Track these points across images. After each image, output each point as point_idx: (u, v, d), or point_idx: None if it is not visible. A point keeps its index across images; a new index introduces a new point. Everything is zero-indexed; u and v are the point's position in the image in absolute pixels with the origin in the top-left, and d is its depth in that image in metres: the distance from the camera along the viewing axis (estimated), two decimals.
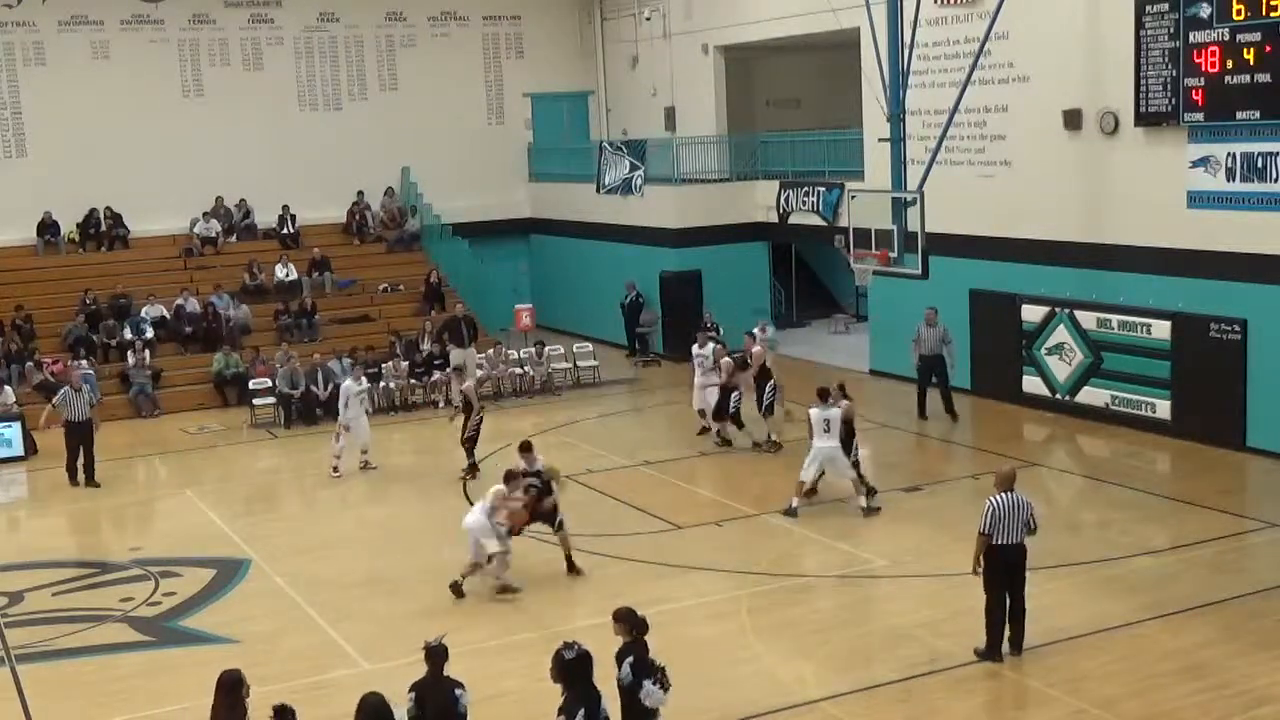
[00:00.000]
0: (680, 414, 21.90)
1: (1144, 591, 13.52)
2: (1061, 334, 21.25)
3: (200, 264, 29.09)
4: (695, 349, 21.20)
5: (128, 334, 26.05)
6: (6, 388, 23.17)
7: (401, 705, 8.71)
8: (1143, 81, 18.99)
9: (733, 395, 19.77)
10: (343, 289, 29.08)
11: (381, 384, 24.36)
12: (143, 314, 26.76)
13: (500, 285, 30.74)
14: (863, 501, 16.42)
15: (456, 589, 14.06)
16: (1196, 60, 18.16)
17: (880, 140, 21.19)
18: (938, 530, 15.70)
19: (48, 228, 28.71)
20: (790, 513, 16.45)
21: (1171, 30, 18.46)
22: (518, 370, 25.54)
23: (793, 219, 26.99)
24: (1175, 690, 11.25)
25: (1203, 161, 18.67)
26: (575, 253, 31.17)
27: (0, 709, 12.13)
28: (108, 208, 29.25)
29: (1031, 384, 21.81)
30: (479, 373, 23.56)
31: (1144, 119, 19.18)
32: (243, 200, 30.41)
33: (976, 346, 22.32)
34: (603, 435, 21.56)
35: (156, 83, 29.45)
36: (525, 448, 15.17)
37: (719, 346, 21.53)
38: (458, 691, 8.79)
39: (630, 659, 9.05)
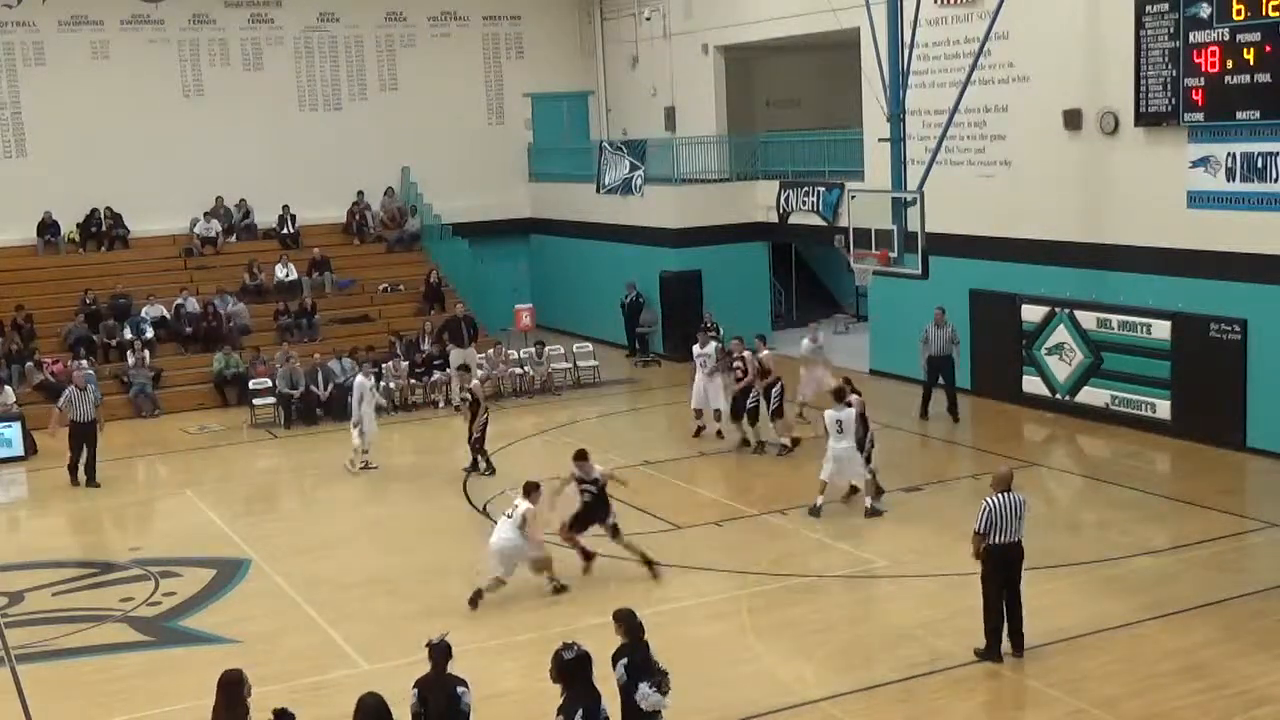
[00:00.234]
0: (680, 414, 21.89)
1: (1144, 591, 13.51)
2: (1061, 334, 21.25)
3: (200, 264, 29.09)
4: (697, 349, 21.13)
5: (128, 334, 26.05)
6: (6, 388, 23.17)
7: (402, 705, 8.71)
8: (1143, 81, 18.99)
9: (750, 395, 19.67)
10: (343, 289, 29.07)
11: (381, 384, 24.31)
12: (143, 314, 26.76)
13: (500, 285, 30.75)
14: (868, 502, 16.41)
15: (475, 601, 13.76)
16: (1196, 60, 18.16)
17: (880, 140, 21.18)
18: (938, 530, 15.69)
19: (48, 228, 28.72)
20: (814, 512, 16.45)
21: (1171, 30, 18.46)
22: (518, 370, 25.54)
23: (793, 219, 26.99)
24: (1175, 690, 11.25)
25: (1203, 161, 18.67)
26: (575, 253, 31.17)
27: (0, 709, 12.13)
28: (108, 208, 29.25)
29: (1031, 384, 21.82)
30: (479, 372, 23.56)
31: (1144, 119, 19.18)
32: (243, 200, 30.41)
33: (976, 346, 22.31)
34: (603, 435, 21.55)
35: (156, 83, 29.45)
36: (580, 456, 14.80)
37: (721, 346, 21.54)
38: (460, 689, 8.80)
39: (625, 660, 9.05)
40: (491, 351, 25.24)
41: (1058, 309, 21.25)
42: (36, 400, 23.74)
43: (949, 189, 21.55)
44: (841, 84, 26.41)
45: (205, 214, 29.84)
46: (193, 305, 27.04)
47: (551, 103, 33.29)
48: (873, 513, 16.31)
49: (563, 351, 26.43)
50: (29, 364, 24.57)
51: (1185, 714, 10.83)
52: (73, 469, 19.79)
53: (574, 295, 31.03)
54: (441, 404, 24.63)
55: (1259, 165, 17.97)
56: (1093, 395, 20.84)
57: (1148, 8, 18.77)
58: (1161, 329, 19.64)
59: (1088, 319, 20.79)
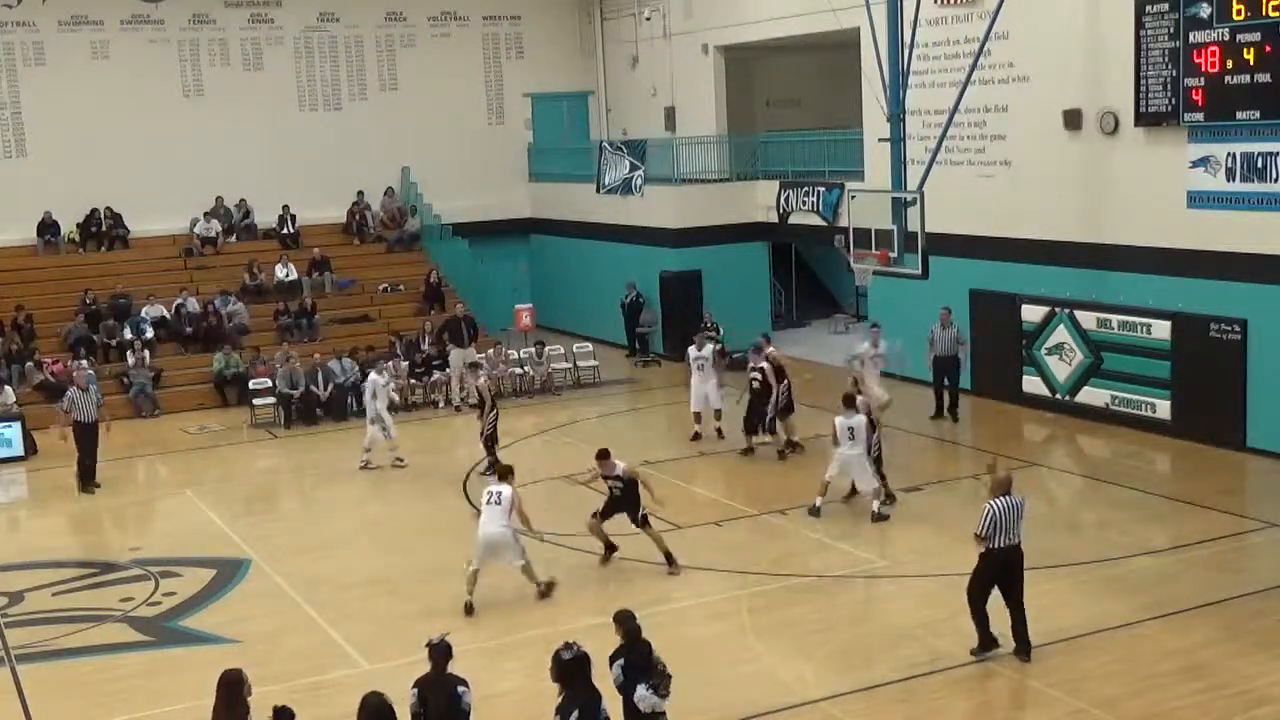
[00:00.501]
0: (680, 414, 21.88)
1: (1144, 591, 13.52)
2: (1061, 334, 21.26)
3: (200, 264, 29.10)
4: (693, 351, 20.99)
5: (128, 334, 26.05)
6: (6, 388, 23.17)
7: (402, 705, 8.71)
8: (1143, 81, 18.99)
9: (769, 402, 19.39)
10: (343, 289, 29.08)
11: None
12: (143, 314, 26.76)
13: (500, 285, 30.76)
14: (875, 506, 16.41)
15: (469, 609, 13.72)
16: (1196, 60, 18.16)
17: (880, 140, 21.18)
18: (938, 530, 15.70)
19: (48, 228, 28.72)
20: (814, 512, 16.46)
21: (1171, 30, 18.46)
22: (518, 370, 25.54)
23: (793, 219, 26.99)
24: (1175, 690, 11.25)
25: (1203, 161, 18.67)
26: (575, 253, 31.17)
27: (0, 709, 12.13)
28: (108, 208, 29.25)
29: (1031, 384, 21.82)
30: (469, 375, 23.55)
31: (1144, 119, 19.18)
32: (243, 200, 30.41)
33: (976, 346, 22.30)
34: (603, 435, 21.50)
35: (156, 83, 29.46)
36: (602, 455, 14.93)
37: (720, 347, 21.50)
38: (460, 689, 8.80)
39: (621, 661, 9.06)
40: (491, 351, 25.24)
41: (1058, 309, 21.25)
42: (36, 400, 23.76)
43: (949, 189, 21.55)
44: (841, 84, 26.41)
45: (205, 214, 29.85)
46: (193, 305, 27.05)
47: (551, 103, 33.30)
48: (879, 518, 16.30)
49: (563, 351, 26.43)
50: (29, 364, 24.57)
51: (1185, 714, 10.83)
52: (82, 474, 19.55)
53: (574, 295, 31.03)
54: (441, 404, 24.64)
55: (1259, 165, 17.97)
56: (1093, 395, 20.84)
57: (1148, 8, 18.77)
58: (1161, 329, 19.64)
59: (1088, 319, 20.79)
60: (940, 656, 12.09)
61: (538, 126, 33.29)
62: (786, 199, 27.07)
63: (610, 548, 15.14)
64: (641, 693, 8.93)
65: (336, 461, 21.47)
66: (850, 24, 23.17)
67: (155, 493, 20.33)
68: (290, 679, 11.99)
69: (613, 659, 9.10)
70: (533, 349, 26.11)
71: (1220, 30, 17.81)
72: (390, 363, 24.56)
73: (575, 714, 8.41)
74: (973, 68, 20.39)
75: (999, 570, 11.83)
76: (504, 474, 14.30)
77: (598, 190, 29.70)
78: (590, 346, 26.92)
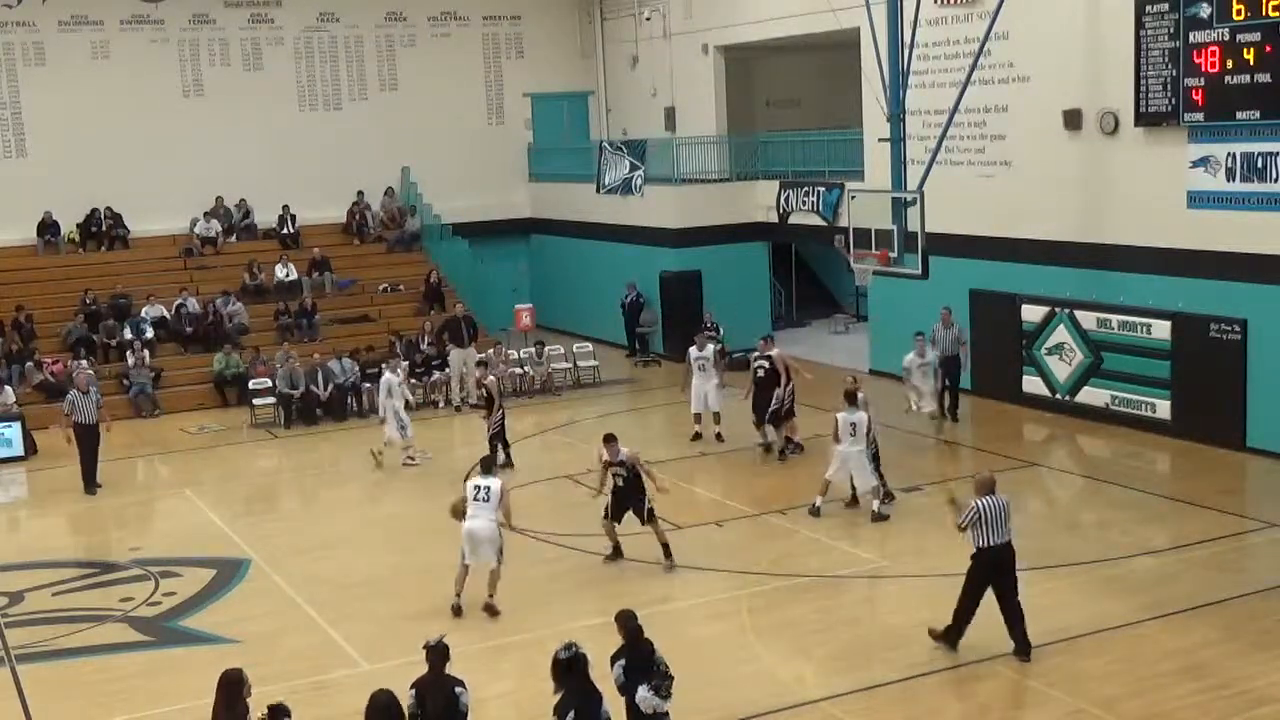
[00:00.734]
0: (680, 414, 21.88)
1: (1144, 591, 13.52)
2: (1061, 334, 21.26)
3: (200, 264, 29.10)
4: (694, 351, 20.95)
5: (128, 334, 26.05)
6: (6, 388, 23.17)
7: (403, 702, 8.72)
8: (1143, 81, 18.99)
9: (775, 399, 19.35)
10: (343, 289, 29.07)
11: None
12: (143, 314, 26.76)
13: (500, 285, 30.76)
14: (875, 505, 16.41)
15: (458, 610, 13.67)
16: (1196, 60, 18.16)
17: (880, 140, 21.18)
18: (938, 530, 15.63)
19: (48, 228, 28.72)
20: (814, 512, 16.46)
21: (1171, 30, 18.46)
22: (518, 370, 25.53)
23: (793, 219, 26.98)
24: (1175, 690, 11.25)
25: (1203, 161, 18.67)
26: (575, 253, 31.17)
27: (0, 709, 12.13)
28: (108, 208, 29.25)
29: (1031, 384, 21.82)
30: (478, 372, 23.54)
31: (1144, 119, 19.18)
32: (243, 200, 30.41)
33: (976, 346, 22.28)
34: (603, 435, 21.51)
35: (156, 83, 29.45)
36: (609, 439, 15.08)
37: (721, 347, 21.48)
38: (458, 690, 8.80)
39: (622, 662, 9.06)
40: (491, 351, 25.23)
41: (1058, 309, 21.25)
42: (36, 400, 23.78)
43: (949, 189, 21.55)
44: (841, 84, 26.41)
45: (205, 214, 29.84)
46: (193, 305, 27.05)
47: (551, 103, 33.30)
48: (879, 517, 16.30)
49: (563, 351, 26.43)
50: (29, 364, 24.57)
51: (1185, 714, 10.84)
52: (86, 477, 19.48)
53: (574, 295, 31.03)
54: (441, 404, 24.63)
55: (1259, 165, 17.97)
56: (1093, 395, 20.84)
57: (1148, 8, 18.77)
58: (1161, 329, 19.64)
59: (1088, 319, 20.79)
60: (940, 656, 12.08)
61: (538, 126, 33.30)
62: (786, 199, 27.07)
63: (618, 551, 15.13)
64: (643, 694, 8.93)
65: (337, 461, 21.50)
66: (850, 24, 23.17)
67: (155, 493, 20.33)
68: (290, 679, 11.98)
69: (614, 659, 9.10)
70: (533, 349, 26.10)
71: (1220, 30, 17.81)
72: (390, 363, 24.62)
73: (571, 715, 8.41)
74: (973, 68, 20.39)
75: (991, 570, 11.86)
76: (488, 466, 14.12)
77: (598, 190, 29.70)
78: (590, 346, 26.91)
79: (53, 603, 14.94)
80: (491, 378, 20.15)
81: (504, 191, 32.74)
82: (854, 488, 16.67)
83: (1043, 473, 18.65)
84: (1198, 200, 18.82)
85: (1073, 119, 20.53)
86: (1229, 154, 18.27)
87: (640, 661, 9.07)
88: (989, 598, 11.96)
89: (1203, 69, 18.09)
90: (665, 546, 14.92)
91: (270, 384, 23.94)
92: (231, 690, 8.69)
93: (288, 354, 24.29)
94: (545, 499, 18.30)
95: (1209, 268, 18.78)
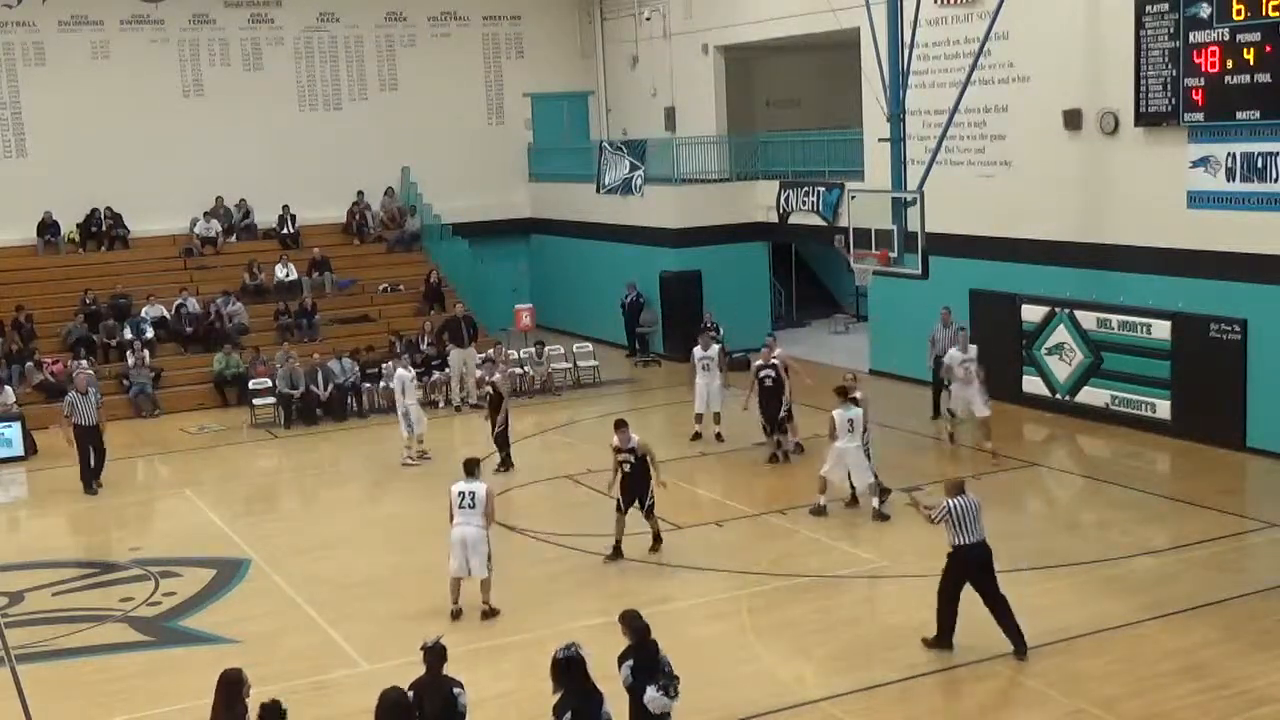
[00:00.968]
0: (680, 413, 21.88)
1: (1144, 591, 13.52)
2: (1061, 334, 21.26)
3: (200, 264, 29.10)
4: (699, 351, 20.87)
5: (128, 334, 26.05)
6: (6, 388, 23.17)
7: None
8: (1143, 81, 18.99)
9: (783, 402, 19.22)
10: (343, 289, 29.07)
11: (381, 384, 24.37)
12: (143, 314, 26.76)
13: (500, 285, 30.76)
14: (875, 503, 16.42)
15: (456, 615, 13.61)
16: (1196, 60, 18.16)
17: (880, 140, 21.17)
18: (938, 530, 15.59)
19: (48, 228, 28.72)
20: (819, 511, 16.46)
21: (1171, 30, 18.46)
22: (518, 370, 25.51)
23: (793, 219, 26.99)
24: (1175, 690, 11.25)
25: (1203, 161, 18.67)
26: (575, 253, 31.17)
27: (0, 709, 12.13)
28: (108, 208, 29.25)
29: (1031, 384, 21.81)
30: (478, 373, 23.55)
31: (1144, 119, 19.18)
32: (243, 200, 30.41)
33: (976, 347, 22.26)
34: (603, 435, 21.44)
35: (156, 83, 29.46)
36: (620, 425, 15.28)
37: (723, 348, 21.46)
38: (456, 690, 8.80)
39: (630, 662, 9.05)
40: (491, 351, 25.21)
41: (1058, 309, 21.25)
42: (36, 400, 23.79)
43: (949, 189, 21.54)
44: (841, 84, 26.41)
45: (205, 214, 29.85)
46: (193, 305, 27.05)
47: (551, 103, 33.30)
48: (880, 515, 16.30)
49: (563, 351, 26.43)
50: (29, 364, 24.57)
51: (1185, 714, 10.83)
52: (85, 479, 19.45)
53: (574, 295, 31.03)
54: (441, 404, 24.62)
55: (1259, 165, 17.96)
56: (1093, 395, 20.84)
57: (1148, 8, 18.77)
58: (1161, 329, 19.64)
59: (1088, 319, 20.79)
60: (940, 657, 12.09)
61: (538, 126, 33.30)
62: (786, 199, 27.07)
63: (618, 550, 15.15)
64: (652, 694, 8.94)
65: (337, 461, 21.51)
66: (850, 24, 23.18)
67: (155, 493, 20.32)
68: (290, 679, 11.97)
69: (621, 659, 9.08)
70: (533, 349, 26.10)
71: (1220, 30, 17.81)
72: (390, 363, 24.60)
73: (569, 715, 8.41)
74: (973, 68, 20.38)
75: (967, 568, 11.98)
76: (471, 469, 13.81)
77: (598, 190, 29.70)
78: (590, 346, 26.91)
79: (53, 603, 14.93)
80: (498, 375, 20.13)
81: (504, 191, 32.74)
82: (853, 487, 16.67)
83: (1043, 473, 18.65)
84: (1198, 200, 18.82)
85: (1073, 119, 20.53)
86: (1229, 154, 18.27)
87: (647, 661, 9.07)
88: (975, 598, 11.97)
89: (1203, 69, 18.09)
90: (657, 536, 15.20)
91: (270, 384, 23.94)
92: (231, 690, 8.69)
93: (288, 354, 24.29)
94: (545, 499, 18.32)
95: (1209, 268, 18.77)
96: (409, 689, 8.87)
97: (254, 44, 30.48)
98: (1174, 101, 18.57)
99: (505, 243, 32.44)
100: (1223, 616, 12.78)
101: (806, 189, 26.51)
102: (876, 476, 16.64)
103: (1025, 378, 21.87)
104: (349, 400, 23.99)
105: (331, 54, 31.23)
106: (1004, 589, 12.01)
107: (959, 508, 11.93)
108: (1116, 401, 20.46)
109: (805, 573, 14.68)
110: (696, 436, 20.79)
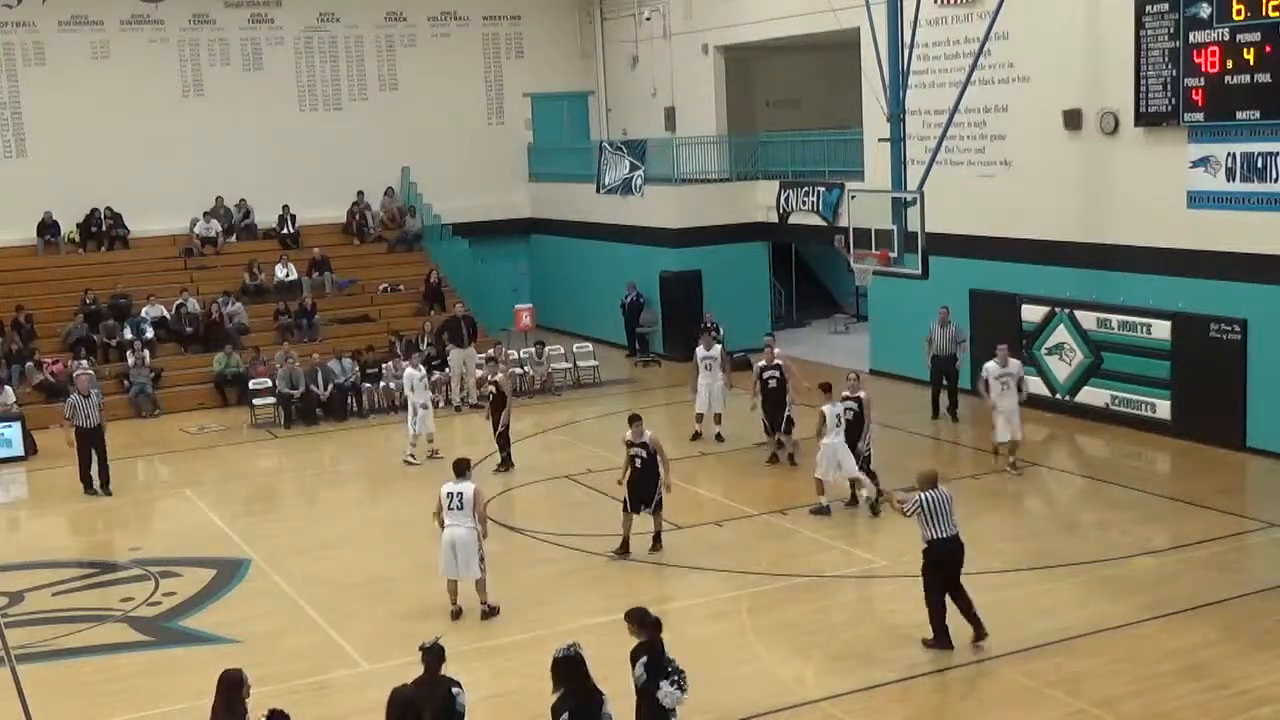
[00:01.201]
0: (680, 413, 21.88)
1: (1144, 591, 13.52)
2: (1061, 334, 21.26)
3: (200, 264, 29.09)
4: (702, 351, 20.84)
5: (128, 334, 26.05)
6: (6, 388, 23.17)
7: None
8: (1143, 81, 18.99)
9: (787, 404, 19.13)
10: (343, 289, 29.07)
11: (381, 384, 24.38)
12: (143, 314, 26.76)
13: (500, 285, 30.75)
14: (865, 493, 16.48)
15: (457, 615, 13.60)
16: (1196, 60, 18.16)
17: (880, 140, 21.18)
18: None
19: (48, 228, 28.72)
20: (823, 511, 16.47)
21: (1171, 30, 18.46)
22: (518, 370, 25.50)
23: (793, 219, 26.99)
24: (1175, 690, 11.25)
25: (1203, 161, 18.67)
26: (575, 253, 31.17)
27: (0, 709, 12.13)
28: (108, 208, 29.25)
29: (1031, 384, 21.72)
30: (478, 373, 23.58)
31: (1144, 119, 19.18)
32: (243, 200, 30.41)
33: (977, 347, 22.26)
34: (603, 435, 21.54)
35: (156, 83, 29.46)
36: (634, 419, 15.37)
37: (724, 348, 21.45)
38: (454, 690, 8.80)
39: (644, 659, 9.05)
40: (491, 351, 25.22)
41: (1058, 309, 21.25)
42: (36, 400, 23.79)
43: (949, 189, 21.54)
44: (841, 84, 26.42)
45: (205, 214, 29.85)
46: (193, 305, 27.05)
47: (551, 103, 33.30)
48: (873, 504, 16.34)
49: (563, 351, 26.43)
50: (29, 364, 24.57)
51: (1185, 714, 10.83)
52: (84, 477, 19.40)
53: (574, 295, 31.03)
54: (441, 404, 24.60)
55: (1259, 165, 17.97)
56: (1093, 395, 20.84)
57: (1148, 8, 18.77)
58: (1161, 329, 19.64)
59: (1088, 319, 20.79)
60: (940, 657, 12.09)
61: (538, 126, 33.30)
62: (786, 199, 27.07)
63: (625, 547, 15.20)
64: (667, 689, 8.94)
65: (337, 461, 21.51)
66: (850, 24, 23.17)
67: (155, 493, 20.31)
68: (290, 679, 11.99)
69: (635, 657, 9.07)
70: (533, 349, 26.10)
71: (1220, 30, 17.81)
72: (390, 363, 24.64)
73: (566, 715, 8.41)
74: (973, 68, 20.39)
75: (942, 561, 12.07)
76: (461, 470, 13.73)
77: (598, 190, 29.70)
78: (590, 346, 26.91)
79: (53, 603, 14.93)
80: (501, 374, 20.14)
81: (504, 191, 32.74)
82: (852, 487, 16.68)
83: (1043, 473, 18.64)
84: (1198, 200, 18.82)
85: (1073, 119, 20.53)
86: (1229, 154, 18.27)
87: (658, 657, 9.08)
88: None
89: (1203, 69, 18.09)
90: (658, 536, 15.26)
91: (270, 384, 23.94)
92: (231, 691, 8.68)
93: (288, 354, 24.29)
94: (545, 499, 18.32)
95: (1209, 268, 18.78)
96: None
97: (254, 44, 30.48)
98: (1174, 101, 18.58)
99: (505, 243, 32.44)
100: (1223, 616, 12.78)
101: (806, 189, 26.52)
102: (875, 476, 16.64)
103: (1025, 378, 21.81)
104: (349, 400, 23.99)
105: (331, 54, 31.23)
106: (1004, 589, 12.01)
107: (931, 501, 12.03)
108: (1116, 401, 20.46)
109: (805, 573, 14.68)
110: (696, 436, 20.79)
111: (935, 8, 22.20)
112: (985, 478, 18.05)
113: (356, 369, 24.18)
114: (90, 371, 23.19)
